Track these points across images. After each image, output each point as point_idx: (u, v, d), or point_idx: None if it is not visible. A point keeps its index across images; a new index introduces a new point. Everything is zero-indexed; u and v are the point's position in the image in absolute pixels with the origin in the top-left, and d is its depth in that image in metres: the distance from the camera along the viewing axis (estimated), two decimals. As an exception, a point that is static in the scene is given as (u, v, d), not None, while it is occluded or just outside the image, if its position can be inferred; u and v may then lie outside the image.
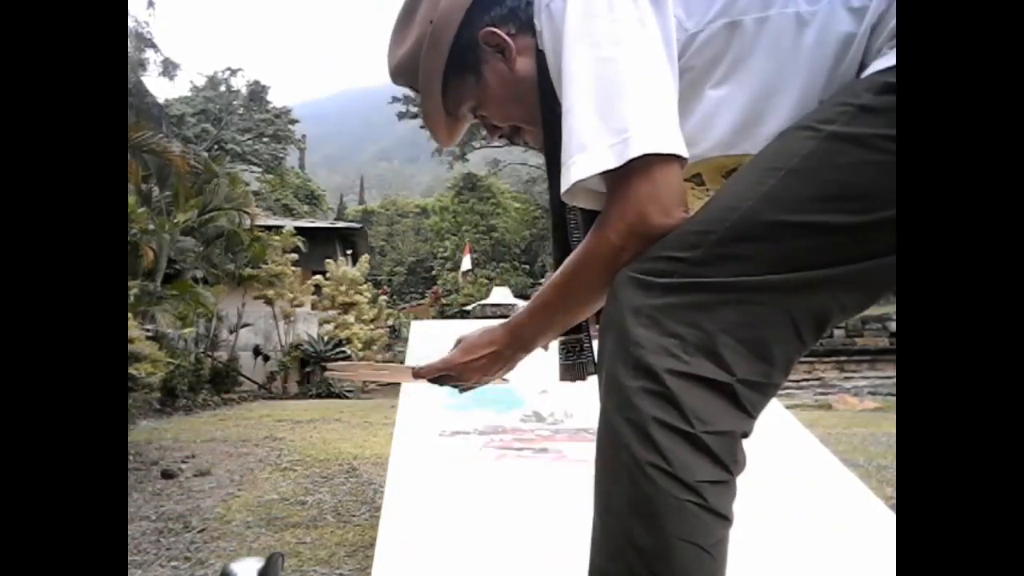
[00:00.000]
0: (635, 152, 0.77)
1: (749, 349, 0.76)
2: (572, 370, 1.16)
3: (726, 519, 0.75)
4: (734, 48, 0.85)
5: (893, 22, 0.78)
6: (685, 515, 0.73)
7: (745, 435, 0.78)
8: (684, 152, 0.80)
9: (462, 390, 1.14)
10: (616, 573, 0.76)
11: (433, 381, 1.09)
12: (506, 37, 0.97)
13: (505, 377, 1.13)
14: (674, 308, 0.76)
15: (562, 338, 1.14)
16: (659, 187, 0.79)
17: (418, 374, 1.11)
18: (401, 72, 1.05)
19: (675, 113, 0.81)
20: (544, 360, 1.20)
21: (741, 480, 0.79)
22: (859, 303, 0.82)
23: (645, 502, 0.74)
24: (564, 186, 0.83)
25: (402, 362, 2.63)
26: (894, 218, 0.71)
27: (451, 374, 1.07)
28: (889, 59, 0.76)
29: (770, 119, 0.83)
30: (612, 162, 0.78)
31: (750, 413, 0.77)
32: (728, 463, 0.75)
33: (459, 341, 1.08)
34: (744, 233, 0.76)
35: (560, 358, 1.16)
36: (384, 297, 13.90)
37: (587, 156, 0.79)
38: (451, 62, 0.99)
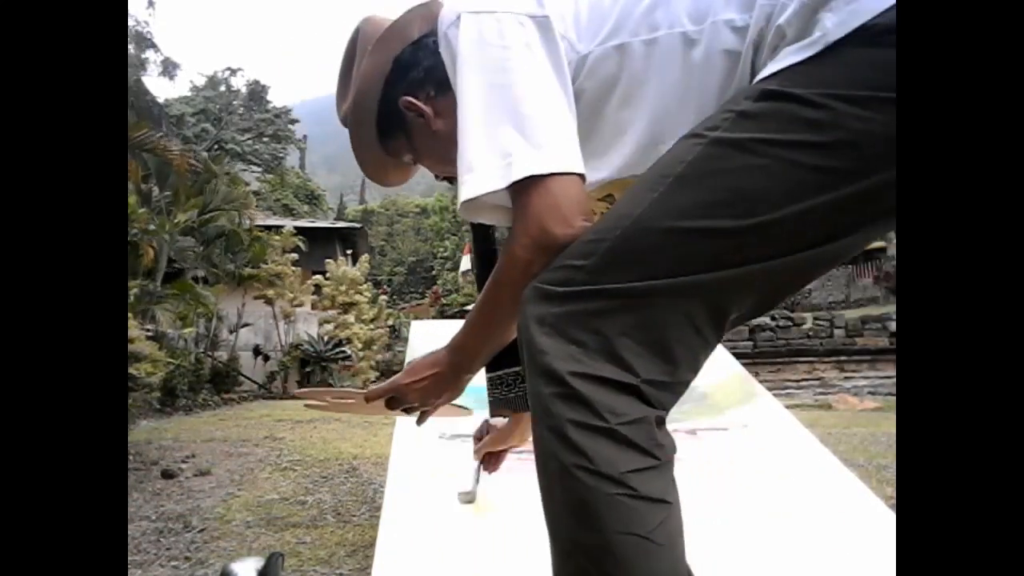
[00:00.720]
0: (519, 174, 0.82)
1: (650, 351, 0.78)
2: (510, 403, 1.16)
3: (663, 502, 0.76)
4: (627, 70, 0.89)
5: (772, 38, 0.82)
6: (619, 508, 0.74)
7: (660, 421, 0.79)
8: (575, 167, 0.84)
9: (418, 420, 1.17)
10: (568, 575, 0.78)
11: (387, 406, 1.11)
12: (421, 105, 1.02)
13: (465, 406, 1.14)
14: (574, 315, 0.78)
15: (493, 373, 1.16)
16: (557, 200, 0.82)
17: (368, 397, 1.13)
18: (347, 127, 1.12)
19: (566, 131, 0.85)
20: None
21: (741, 479, 0.79)
22: (758, 303, 0.85)
23: (579, 503, 0.75)
24: (459, 206, 0.88)
25: (402, 362, 2.63)
26: (777, 220, 0.75)
27: (397, 396, 1.10)
28: (769, 68, 0.80)
29: (670, 137, 0.86)
30: (498, 183, 0.83)
31: (657, 408, 0.79)
32: (650, 448, 0.77)
33: (408, 364, 1.11)
34: (634, 240, 0.78)
35: (489, 393, 1.17)
36: (384, 297, 13.89)
37: (474, 177, 0.84)
38: (381, 124, 1.07)
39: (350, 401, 1.23)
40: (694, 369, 0.83)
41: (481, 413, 1.94)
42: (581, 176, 0.85)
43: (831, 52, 0.75)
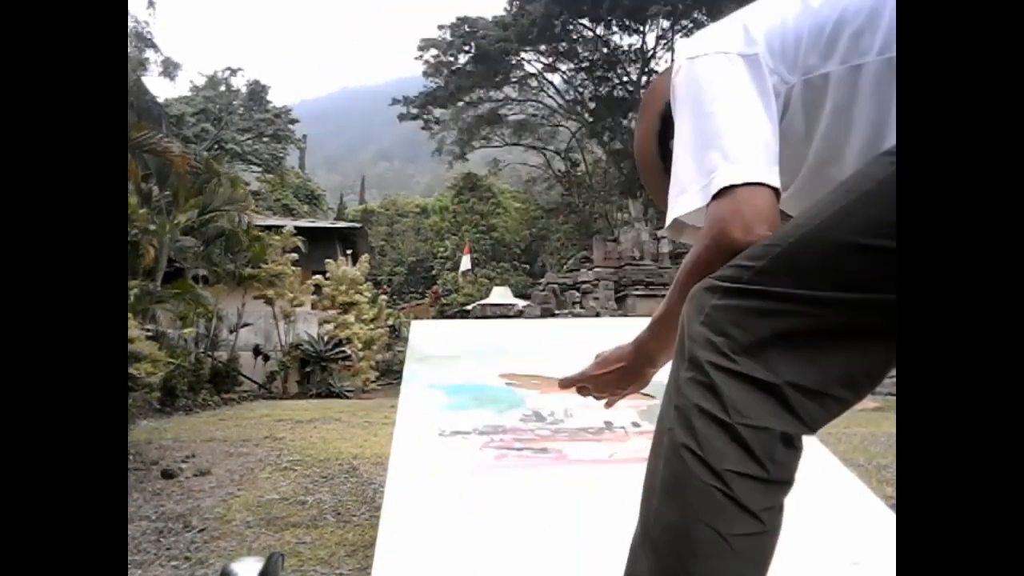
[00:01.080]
0: (717, 187, 0.87)
1: (799, 357, 0.78)
2: None
3: (754, 516, 0.76)
4: (831, 96, 0.91)
5: None
6: (710, 499, 0.75)
7: (789, 439, 0.79)
8: (769, 180, 0.87)
9: (606, 404, 1.27)
10: (644, 545, 0.80)
11: (578, 392, 1.22)
12: None
13: (649, 393, 1.22)
14: (730, 310, 0.80)
15: None
16: (741, 207, 0.86)
17: (561, 384, 1.24)
18: None
19: (763, 148, 0.89)
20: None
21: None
22: None
23: (675, 482, 0.78)
24: (667, 224, 0.96)
25: (402, 362, 2.62)
26: None
27: (587, 386, 1.20)
28: None
29: None
30: (699, 201, 0.88)
31: (800, 417, 0.78)
32: (763, 459, 0.77)
33: (598, 356, 1.19)
34: (807, 249, 0.79)
35: None
36: (384, 297, 13.88)
37: (682, 198, 0.91)
38: (668, 171, 1.12)
39: (541, 384, 1.42)
40: (851, 387, 0.81)
41: (480, 410, 1.94)
42: (775, 190, 0.87)
43: None
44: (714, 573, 0.74)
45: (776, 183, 0.88)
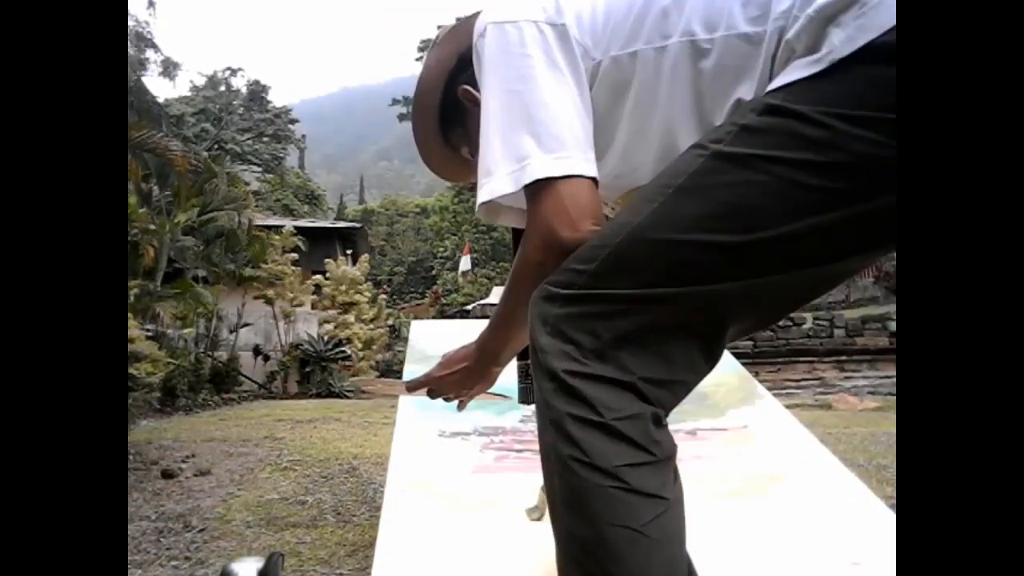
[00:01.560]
0: (530, 177, 0.85)
1: (645, 352, 0.80)
2: (531, 393, 1.21)
3: (658, 497, 0.77)
4: (638, 77, 0.91)
5: (783, 51, 0.82)
6: (611, 501, 0.76)
7: (658, 418, 0.80)
8: (586, 171, 0.86)
9: (458, 407, 1.27)
10: (567, 564, 0.80)
11: (428, 395, 1.22)
12: (477, 95, 1.03)
13: (504, 394, 1.21)
14: (573, 317, 0.81)
15: (523, 362, 1.21)
16: (564, 203, 0.85)
17: (408, 387, 1.25)
18: None
19: (579, 137, 0.88)
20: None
21: (742, 479, 0.79)
22: (757, 317, 0.87)
23: (574, 495, 0.77)
24: (476, 209, 0.94)
25: (402, 361, 2.63)
26: (772, 238, 0.75)
27: (433, 388, 1.20)
28: (776, 82, 0.79)
29: (682, 145, 0.87)
30: (510, 187, 0.86)
31: (654, 405, 0.80)
32: (646, 444, 0.78)
33: (444, 356, 1.18)
34: (633, 249, 0.80)
35: (519, 381, 1.21)
36: (384, 297, 13.88)
37: (491, 181, 0.88)
38: (443, 116, 1.13)
39: (396, 390, 1.38)
40: (694, 371, 0.84)
41: (480, 411, 1.94)
42: (593, 180, 0.87)
43: (837, 69, 0.74)
44: (642, 568, 0.75)
45: (594, 173, 0.87)
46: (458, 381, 1.16)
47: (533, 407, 1.31)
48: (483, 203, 0.90)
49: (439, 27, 1.18)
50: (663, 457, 0.79)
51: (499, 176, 0.87)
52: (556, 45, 0.91)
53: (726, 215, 0.77)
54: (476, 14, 1.08)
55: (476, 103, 1.03)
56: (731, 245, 0.77)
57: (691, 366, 0.83)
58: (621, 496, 0.75)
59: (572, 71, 0.90)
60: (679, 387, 0.83)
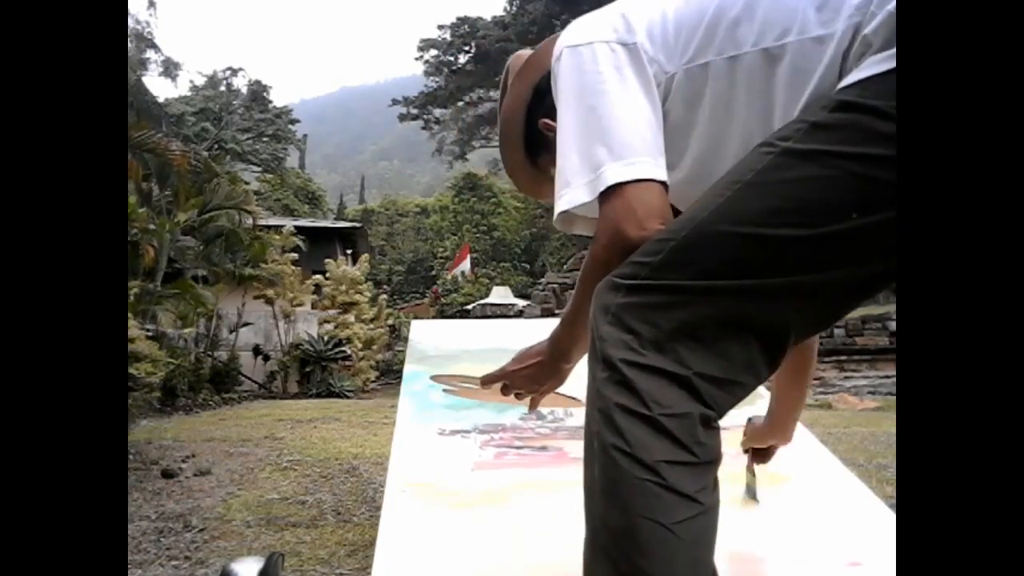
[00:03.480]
0: (604, 184, 0.89)
1: (703, 346, 0.80)
2: None
3: (691, 500, 0.77)
4: (712, 88, 0.93)
5: (858, 47, 0.82)
6: (646, 494, 0.76)
7: (707, 420, 0.80)
8: (657, 175, 0.89)
9: (529, 406, 1.33)
10: (595, 552, 0.81)
11: (502, 391, 1.26)
12: (554, 124, 1.08)
13: (575, 397, 1.23)
14: (634, 307, 0.82)
15: None
16: (633, 205, 0.88)
17: (483, 382, 1.28)
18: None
19: (649, 143, 0.91)
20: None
21: (742, 479, 0.79)
22: (818, 314, 0.86)
23: (611, 483, 0.78)
24: (554, 218, 0.98)
25: (402, 361, 2.63)
26: (838, 233, 0.76)
27: (507, 382, 1.24)
28: (850, 78, 0.79)
29: None
30: (586, 196, 0.90)
31: (709, 405, 0.80)
32: (689, 444, 0.78)
33: (519, 353, 1.22)
34: (698, 241, 0.81)
35: None
36: (384, 296, 13.87)
37: (569, 191, 0.92)
38: (529, 145, 1.20)
39: (473, 386, 1.44)
40: (753, 372, 0.83)
41: (480, 409, 1.94)
42: (663, 184, 0.90)
43: None
44: (667, 564, 0.75)
45: (664, 177, 0.90)
46: (531, 376, 1.19)
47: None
48: (560, 212, 0.94)
49: (511, 58, 1.29)
50: (705, 460, 0.79)
51: (576, 186, 0.91)
52: (627, 62, 0.94)
53: (793, 209, 0.78)
54: (542, 46, 1.17)
55: (555, 132, 1.07)
56: (797, 239, 0.77)
57: (750, 367, 0.83)
58: (656, 491, 0.76)
59: (643, 85, 0.93)
60: (736, 388, 0.83)
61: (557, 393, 1.26)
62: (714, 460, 0.81)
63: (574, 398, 1.28)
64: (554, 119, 1.07)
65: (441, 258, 28.72)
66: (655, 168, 0.89)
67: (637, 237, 0.87)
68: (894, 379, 9.05)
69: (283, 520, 2.54)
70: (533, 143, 1.19)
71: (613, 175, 0.88)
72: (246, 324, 9.99)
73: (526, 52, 1.22)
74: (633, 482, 0.76)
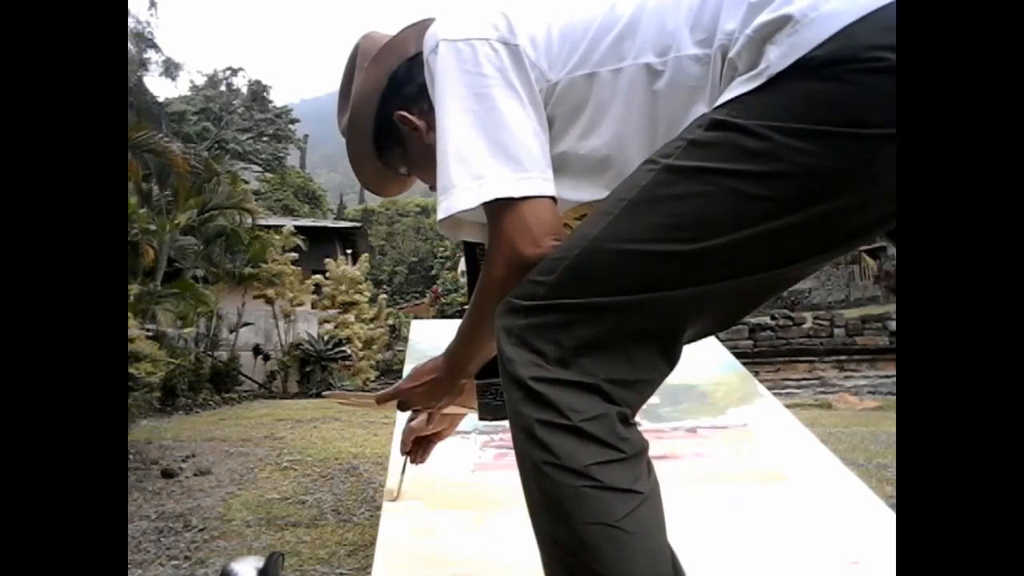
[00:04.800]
0: (491, 195, 0.88)
1: (606, 356, 0.82)
2: (496, 410, 1.22)
3: (632, 492, 0.79)
4: (594, 98, 0.93)
5: (727, 70, 0.85)
6: (584, 500, 0.78)
7: (624, 416, 0.82)
8: (548, 191, 0.90)
9: (427, 420, 1.31)
10: (552, 570, 0.82)
11: (398, 407, 1.23)
12: (414, 119, 1.09)
13: (469, 405, 1.25)
14: (535, 327, 0.84)
15: (482, 381, 1.23)
16: (528, 222, 0.89)
17: (378, 400, 1.26)
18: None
19: (537, 156, 0.91)
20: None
21: (742, 478, 0.79)
22: (712, 321, 0.89)
23: (550, 498, 0.80)
24: (438, 225, 0.98)
25: (402, 361, 2.64)
26: (720, 246, 0.79)
27: (402, 400, 1.21)
28: (722, 98, 0.83)
29: (635, 164, 0.89)
30: (470, 202, 0.89)
31: (620, 405, 0.82)
32: (613, 442, 0.80)
33: (413, 370, 1.20)
34: (590, 260, 0.83)
35: (478, 397, 1.23)
36: (384, 296, 13.87)
37: (449, 198, 0.91)
38: (378, 137, 1.14)
39: (368, 402, 1.38)
40: (656, 370, 0.86)
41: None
42: (552, 199, 0.91)
43: (774, 84, 0.78)
44: (622, 562, 0.76)
45: (552, 192, 0.91)
46: (426, 393, 1.18)
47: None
48: (443, 219, 0.93)
49: (362, 38, 1.19)
50: (632, 453, 0.81)
51: (458, 193, 0.90)
52: (510, 64, 0.93)
53: (676, 225, 0.80)
54: (402, 32, 1.12)
55: (413, 127, 1.08)
56: (681, 254, 0.80)
57: (653, 367, 0.86)
58: (593, 494, 0.78)
59: (527, 91, 0.93)
60: (643, 386, 0.86)
61: (453, 406, 1.25)
62: (641, 451, 0.83)
63: (472, 408, 1.26)
64: (410, 111, 1.08)
65: (441, 258, 28.70)
66: (544, 183, 0.90)
67: (533, 255, 0.88)
68: (894, 379, 9.05)
69: (283, 520, 2.54)
70: (383, 135, 1.14)
71: (502, 188, 0.88)
72: (246, 324, 9.99)
73: (379, 34, 1.16)
74: (569, 491, 0.78)
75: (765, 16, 0.81)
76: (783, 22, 0.79)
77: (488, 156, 0.90)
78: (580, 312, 0.83)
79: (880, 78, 0.73)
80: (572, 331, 0.82)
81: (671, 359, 0.87)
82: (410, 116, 1.08)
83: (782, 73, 0.77)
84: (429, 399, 1.19)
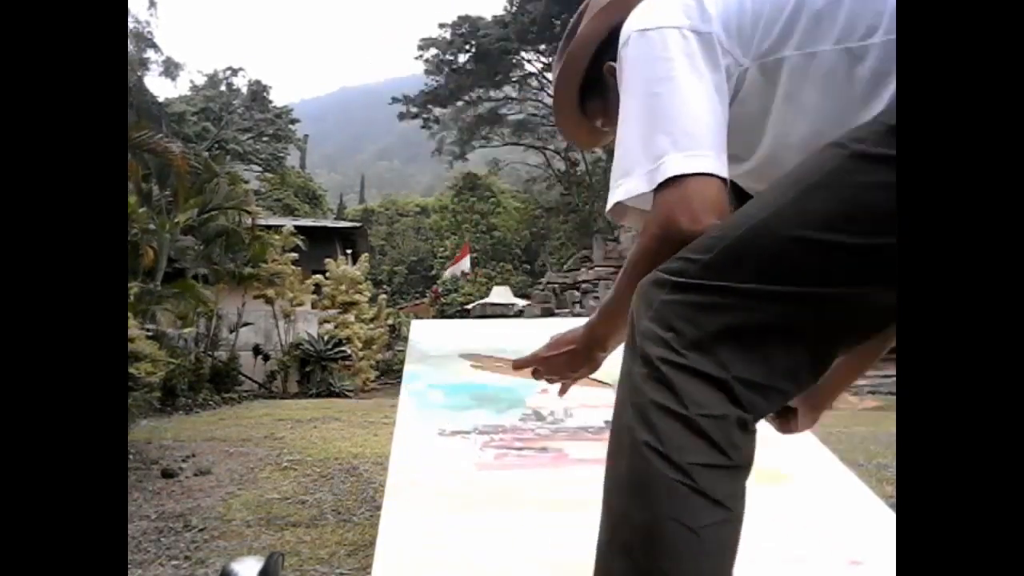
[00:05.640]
0: (664, 175, 0.85)
1: (746, 351, 0.77)
2: None
3: (720, 505, 0.75)
4: (785, 83, 0.90)
5: None
6: (675, 494, 0.74)
7: (744, 423, 0.78)
8: (718, 171, 0.86)
9: (560, 391, 1.29)
10: (613, 548, 0.78)
11: (532, 375, 1.22)
12: None
13: (606, 381, 1.22)
14: (679, 305, 0.79)
15: None
16: (689, 196, 0.85)
17: (515, 365, 1.24)
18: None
19: (716, 136, 0.87)
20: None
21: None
22: (872, 323, 0.82)
23: (639, 480, 0.76)
24: (607, 207, 0.95)
25: (402, 361, 2.64)
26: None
27: (539, 368, 1.20)
28: None
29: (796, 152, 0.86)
30: (645, 186, 0.87)
31: (746, 409, 0.78)
32: (724, 447, 0.76)
33: (552, 338, 1.18)
34: (754, 243, 0.78)
35: None
36: (384, 296, 13.87)
37: (628, 180, 0.89)
38: (584, 85, 1.15)
39: (504, 367, 1.43)
40: (795, 380, 0.81)
41: (480, 410, 1.94)
42: (723, 180, 0.86)
43: None
44: (688, 568, 0.74)
45: (725, 173, 0.87)
46: (565, 363, 1.16)
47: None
48: (615, 203, 0.91)
49: None
50: (737, 464, 0.77)
51: (636, 175, 0.88)
52: (699, 50, 0.90)
53: (852, 216, 0.74)
54: None
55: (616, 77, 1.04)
56: (852, 247, 0.74)
57: (793, 374, 0.80)
58: (685, 492, 0.74)
59: (714, 76, 0.90)
60: (775, 394, 0.80)
61: (590, 378, 1.22)
62: (746, 464, 0.79)
63: (607, 383, 1.24)
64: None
65: (441, 258, 28.71)
66: (717, 163, 0.86)
67: (690, 230, 0.83)
68: (894, 379, 9.00)
69: (283, 520, 2.54)
70: (590, 84, 1.14)
71: (674, 166, 0.85)
72: (246, 324, 9.99)
73: None
74: (662, 481, 0.74)
75: None
76: None
77: (665, 137, 0.86)
78: (730, 296, 0.77)
79: None
80: (716, 315, 0.78)
81: (817, 370, 0.81)
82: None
83: None
84: (566, 369, 1.17)
